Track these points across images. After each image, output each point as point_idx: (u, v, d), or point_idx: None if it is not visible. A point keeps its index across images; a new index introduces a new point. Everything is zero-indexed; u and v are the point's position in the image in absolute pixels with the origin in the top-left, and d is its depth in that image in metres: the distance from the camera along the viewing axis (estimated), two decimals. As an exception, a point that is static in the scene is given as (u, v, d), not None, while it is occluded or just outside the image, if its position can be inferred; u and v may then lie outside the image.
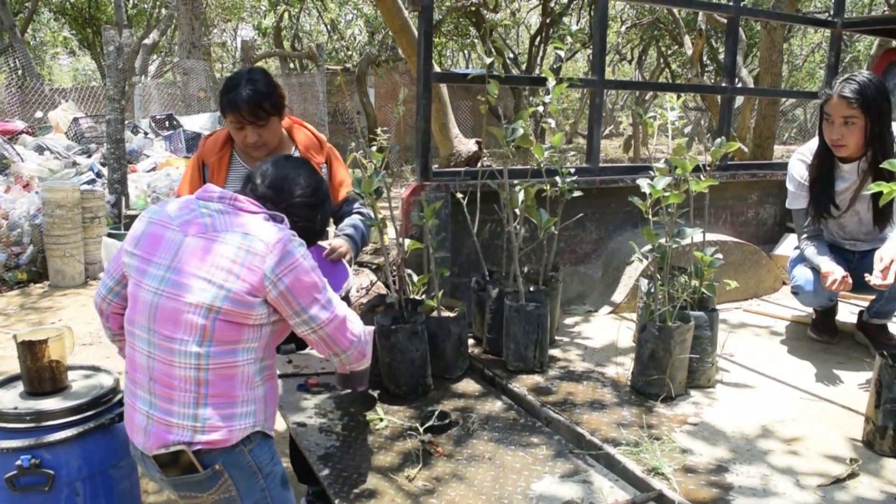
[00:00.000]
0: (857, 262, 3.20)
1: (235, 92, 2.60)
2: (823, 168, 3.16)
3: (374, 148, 2.81)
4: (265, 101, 2.62)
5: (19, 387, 2.50)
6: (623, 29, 21.97)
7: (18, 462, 2.24)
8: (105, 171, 8.81)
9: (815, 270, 3.09)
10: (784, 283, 4.26)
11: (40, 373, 2.43)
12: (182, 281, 1.83)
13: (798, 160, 3.28)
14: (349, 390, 2.53)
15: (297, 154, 2.82)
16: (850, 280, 2.90)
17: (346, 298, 2.78)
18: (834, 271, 2.91)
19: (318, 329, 1.94)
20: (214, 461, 1.85)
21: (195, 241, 1.86)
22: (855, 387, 2.81)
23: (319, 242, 2.79)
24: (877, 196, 2.97)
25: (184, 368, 1.82)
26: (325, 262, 2.81)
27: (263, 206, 1.99)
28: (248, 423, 1.88)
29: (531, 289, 3.04)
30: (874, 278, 2.66)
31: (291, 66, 24.24)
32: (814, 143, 3.23)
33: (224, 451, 1.86)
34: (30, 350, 2.40)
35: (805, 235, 3.24)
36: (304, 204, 2.09)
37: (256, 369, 1.91)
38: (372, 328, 2.30)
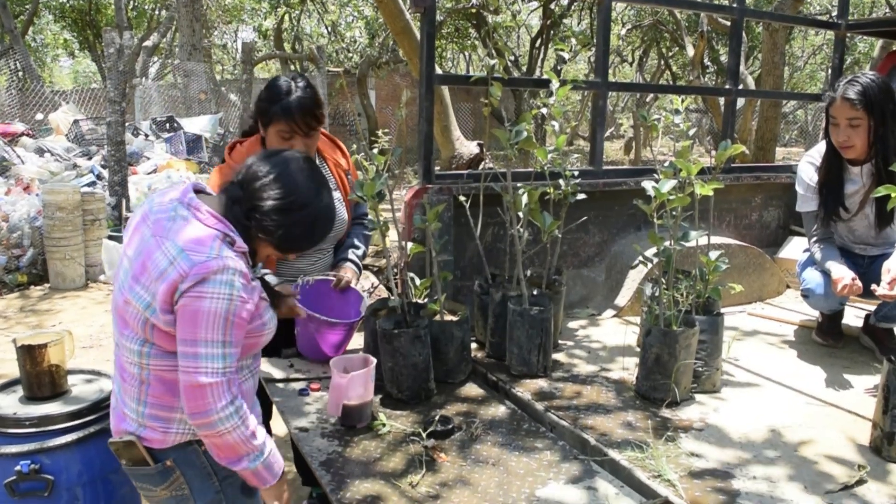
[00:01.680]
0: (866, 267, 3.18)
1: (287, 100, 2.52)
2: (832, 171, 3.14)
3: (375, 150, 2.79)
4: (317, 110, 2.58)
5: (19, 391, 2.48)
6: (624, 31, 21.98)
7: (18, 467, 2.23)
8: (105, 173, 8.81)
9: (826, 274, 3.06)
10: (788, 287, 4.24)
11: (40, 377, 2.41)
12: (131, 282, 1.80)
13: (807, 163, 3.26)
14: (347, 426, 2.50)
15: (325, 168, 2.86)
16: (860, 283, 2.87)
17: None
18: (844, 276, 2.89)
19: (180, 371, 1.74)
20: (166, 456, 1.87)
21: (151, 242, 1.79)
22: (861, 391, 2.79)
23: (326, 275, 2.83)
24: (882, 199, 2.96)
25: (130, 364, 1.84)
26: (335, 292, 2.83)
27: (230, 209, 1.87)
28: (187, 431, 1.86)
29: (534, 292, 3.02)
30: (881, 289, 2.64)
31: (292, 68, 24.25)
32: (823, 146, 3.22)
33: (177, 447, 1.87)
34: (29, 354, 2.38)
35: (815, 239, 3.22)
36: (274, 209, 1.87)
37: None
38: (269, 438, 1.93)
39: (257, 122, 2.70)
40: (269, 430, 2.68)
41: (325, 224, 2.01)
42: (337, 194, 2.81)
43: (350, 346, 3.00)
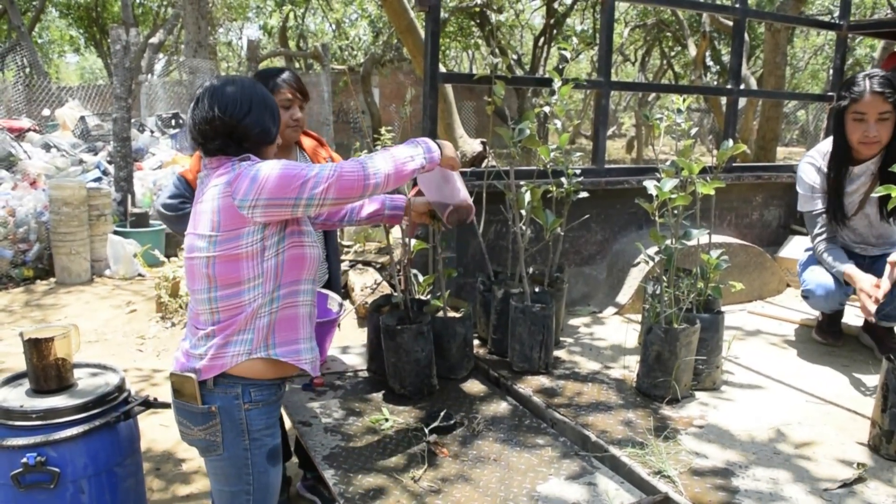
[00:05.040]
0: (867, 268, 3.17)
1: (280, 75, 2.83)
2: (839, 174, 3.13)
3: (378, 147, 2.81)
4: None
5: (25, 384, 2.50)
6: (627, 31, 21.96)
7: (24, 460, 2.24)
8: (111, 168, 8.83)
9: (833, 275, 3.07)
10: (788, 286, 4.25)
11: (46, 371, 2.43)
12: (190, 242, 2.04)
13: (807, 163, 3.26)
14: (453, 223, 2.54)
15: (304, 157, 3.00)
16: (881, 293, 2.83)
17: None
18: (869, 291, 2.82)
19: (324, 202, 1.94)
20: (213, 401, 2.03)
21: (196, 207, 2.06)
22: (860, 390, 2.80)
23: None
24: (884, 199, 2.97)
25: (204, 314, 2.04)
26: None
27: (223, 144, 2.03)
28: (244, 350, 2.01)
29: (536, 290, 3.03)
30: (882, 287, 2.66)
31: (297, 65, 24.25)
32: (824, 147, 3.21)
33: (223, 396, 2.02)
34: (36, 348, 2.40)
35: (819, 239, 3.22)
36: (248, 123, 2.03)
37: (264, 302, 2.01)
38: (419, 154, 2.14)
39: None
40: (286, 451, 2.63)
41: (266, 96, 2.11)
42: None
43: (352, 340, 3.02)
